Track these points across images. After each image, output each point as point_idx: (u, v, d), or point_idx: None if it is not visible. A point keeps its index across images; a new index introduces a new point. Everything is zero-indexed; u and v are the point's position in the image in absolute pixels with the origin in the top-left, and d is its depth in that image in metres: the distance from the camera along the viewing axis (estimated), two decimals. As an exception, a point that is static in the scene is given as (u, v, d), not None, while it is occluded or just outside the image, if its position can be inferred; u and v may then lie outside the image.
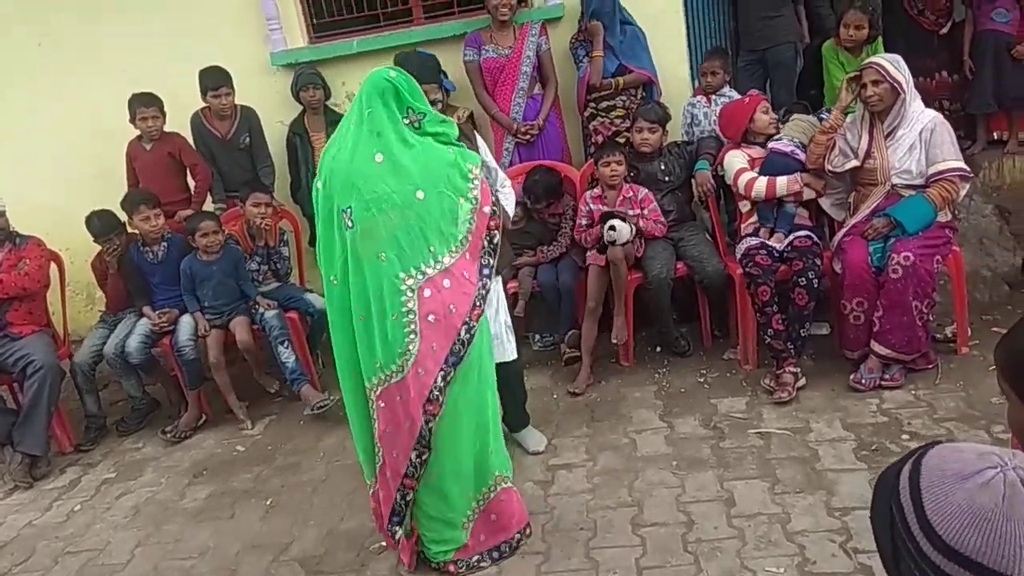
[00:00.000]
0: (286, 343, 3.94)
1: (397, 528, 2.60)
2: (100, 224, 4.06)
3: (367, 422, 2.56)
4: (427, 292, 2.38)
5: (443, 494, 2.55)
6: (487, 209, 2.50)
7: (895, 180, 3.39)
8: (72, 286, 4.59)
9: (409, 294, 2.36)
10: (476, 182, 2.48)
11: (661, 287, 3.77)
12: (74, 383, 4.12)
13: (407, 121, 2.41)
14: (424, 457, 2.47)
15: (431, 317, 2.38)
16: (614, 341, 3.82)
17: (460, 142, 2.72)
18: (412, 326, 2.37)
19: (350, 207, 2.36)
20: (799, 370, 3.43)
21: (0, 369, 3.91)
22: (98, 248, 4.17)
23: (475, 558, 2.62)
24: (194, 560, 2.97)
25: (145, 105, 4.28)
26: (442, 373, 2.40)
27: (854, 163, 3.46)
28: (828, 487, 2.74)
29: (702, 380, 3.68)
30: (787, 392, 3.33)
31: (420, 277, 2.37)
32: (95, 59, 4.75)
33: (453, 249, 2.41)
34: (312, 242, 4.78)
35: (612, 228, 3.65)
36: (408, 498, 2.54)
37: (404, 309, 2.36)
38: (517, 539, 2.68)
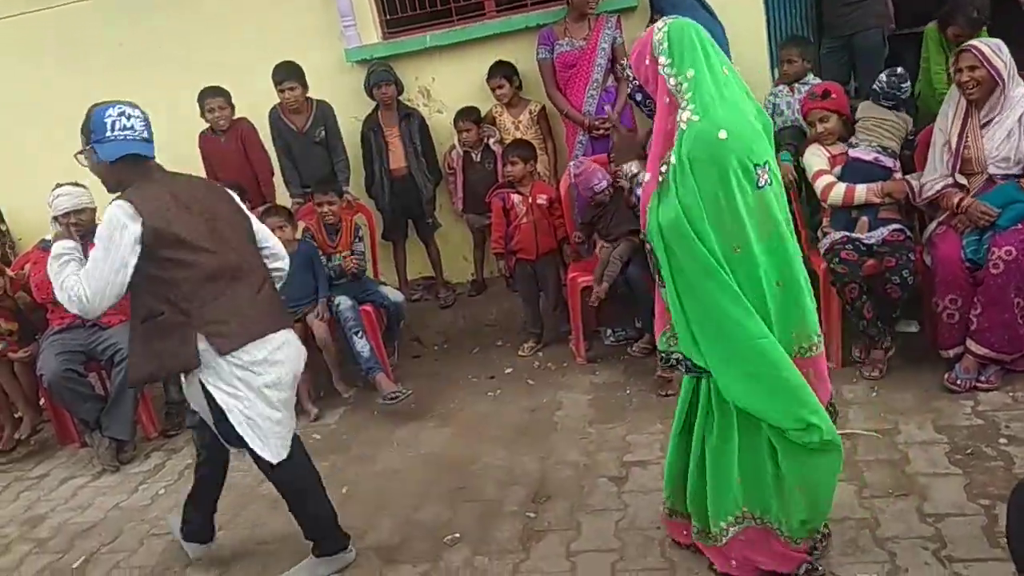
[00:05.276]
0: (360, 333, 3.99)
1: None
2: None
3: None
4: None
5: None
6: None
7: (992, 169, 3.22)
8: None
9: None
10: None
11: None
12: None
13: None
14: None
15: None
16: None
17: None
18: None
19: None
20: (892, 346, 3.43)
21: (90, 357, 4.05)
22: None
23: None
24: (275, 545, 3.02)
25: (212, 97, 4.43)
26: None
27: (946, 182, 3.31)
28: (920, 492, 2.61)
29: (782, 378, 3.56)
30: (878, 370, 3.36)
31: None
32: (172, 56, 4.89)
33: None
34: (385, 235, 4.86)
35: None
36: None
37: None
38: None
